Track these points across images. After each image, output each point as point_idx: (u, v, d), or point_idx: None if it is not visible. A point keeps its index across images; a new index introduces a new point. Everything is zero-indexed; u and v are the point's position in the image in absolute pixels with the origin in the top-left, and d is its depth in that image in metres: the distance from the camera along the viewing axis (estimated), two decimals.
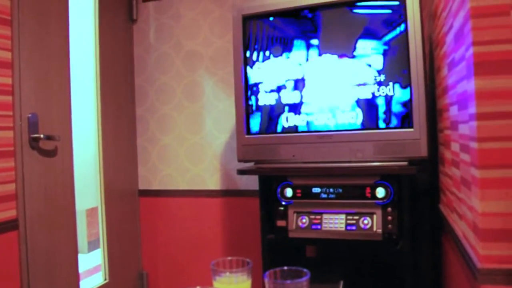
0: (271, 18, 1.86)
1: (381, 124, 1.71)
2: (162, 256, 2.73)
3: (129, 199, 2.70)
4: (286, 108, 1.85)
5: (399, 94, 1.67)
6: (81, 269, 2.34)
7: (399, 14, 1.66)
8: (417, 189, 2.08)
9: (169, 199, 2.70)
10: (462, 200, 1.25)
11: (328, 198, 1.81)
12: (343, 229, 1.76)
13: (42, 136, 1.96)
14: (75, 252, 2.18)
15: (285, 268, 0.99)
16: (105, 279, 2.49)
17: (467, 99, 1.12)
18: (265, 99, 1.88)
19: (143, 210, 2.77)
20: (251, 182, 2.49)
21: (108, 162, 2.51)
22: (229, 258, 1.09)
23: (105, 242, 2.49)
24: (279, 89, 1.85)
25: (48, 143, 2.03)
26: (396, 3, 1.67)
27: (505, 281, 0.98)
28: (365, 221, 1.74)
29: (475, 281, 1.03)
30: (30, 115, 1.93)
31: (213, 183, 2.61)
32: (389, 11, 1.69)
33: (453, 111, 1.35)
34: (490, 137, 1.00)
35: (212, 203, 2.61)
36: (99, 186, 2.50)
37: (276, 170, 1.85)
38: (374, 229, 1.72)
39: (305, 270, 0.97)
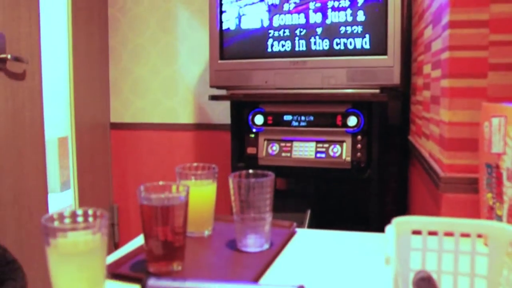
0: None
1: (355, 51, 1.69)
2: (133, 189, 2.72)
3: (100, 131, 2.66)
4: (260, 34, 1.81)
5: (374, 20, 1.65)
6: (53, 208, 2.32)
7: None
8: (389, 123, 2.10)
9: (141, 132, 2.67)
10: (431, 120, 1.26)
11: (299, 126, 1.80)
12: (313, 157, 1.77)
13: (9, 56, 1.88)
14: (44, 182, 2.14)
15: (250, 171, 0.99)
16: None
17: (441, 12, 1.10)
18: (239, 24, 1.83)
19: (114, 143, 2.73)
20: (224, 116, 2.47)
21: (79, 92, 2.44)
22: (195, 164, 1.08)
23: (75, 173, 2.46)
24: (253, 14, 1.81)
25: (15, 65, 1.95)
26: None
27: (466, 189, 1.00)
28: (335, 149, 1.75)
29: (437, 190, 1.05)
30: None
31: (186, 116, 2.58)
32: None
33: (428, 32, 1.34)
34: (461, 45, 1.00)
35: (184, 136, 2.59)
36: (69, 115, 2.44)
37: (248, 96, 1.83)
38: (343, 157, 1.73)
39: (270, 172, 0.97)
